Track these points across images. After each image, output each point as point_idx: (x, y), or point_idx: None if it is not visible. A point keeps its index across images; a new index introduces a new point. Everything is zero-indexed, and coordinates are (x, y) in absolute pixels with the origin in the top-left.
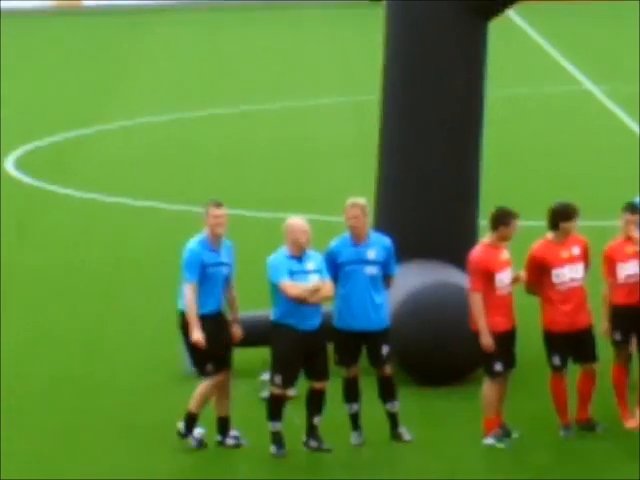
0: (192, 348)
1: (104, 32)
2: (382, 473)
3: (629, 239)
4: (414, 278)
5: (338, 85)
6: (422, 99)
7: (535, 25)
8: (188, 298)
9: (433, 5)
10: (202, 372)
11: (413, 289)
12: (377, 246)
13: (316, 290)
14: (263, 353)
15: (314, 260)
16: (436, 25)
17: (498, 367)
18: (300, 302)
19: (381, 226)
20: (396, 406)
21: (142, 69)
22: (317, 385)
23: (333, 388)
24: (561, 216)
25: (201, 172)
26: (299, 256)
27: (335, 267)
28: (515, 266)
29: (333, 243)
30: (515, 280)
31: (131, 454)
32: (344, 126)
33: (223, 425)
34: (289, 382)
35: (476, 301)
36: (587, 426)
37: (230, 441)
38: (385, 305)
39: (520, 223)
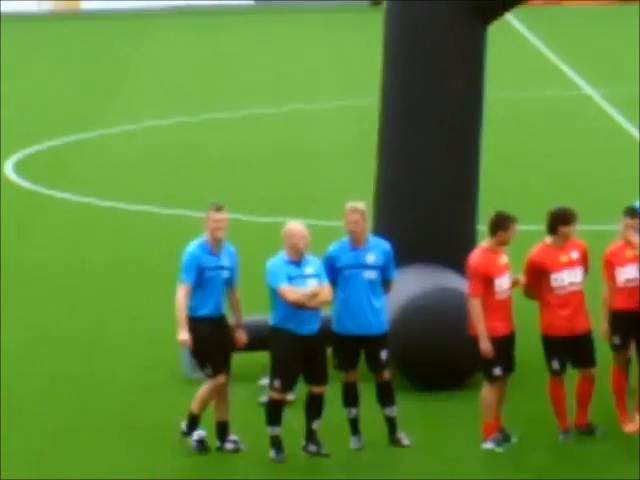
0: (192, 350)
1: (104, 36)
2: (380, 473)
3: (629, 243)
4: (413, 283)
5: (338, 88)
6: (421, 101)
7: (534, 28)
8: (179, 298)
9: (433, 7)
10: (203, 374)
11: (412, 294)
12: (376, 250)
13: (315, 295)
14: (262, 358)
15: (313, 265)
16: (435, 27)
17: (497, 371)
18: (299, 307)
19: (380, 229)
20: (394, 411)
21: (142, 73)
22: (316, 389)
23: (332, 392)
24: (560, 221)
25: (202, 175)
26: (298, 261)
27: (334, 271)
28: (514, 270)
29: (332, 247)
30: (514, 284)
31: (131, 454)
32: (344, 129)
33: (222, 430)
34: (288, 386)
35: (475, 306)
36: (586, 431)
37: (229, 445)
38: (384, 310)
39: (519, 227)
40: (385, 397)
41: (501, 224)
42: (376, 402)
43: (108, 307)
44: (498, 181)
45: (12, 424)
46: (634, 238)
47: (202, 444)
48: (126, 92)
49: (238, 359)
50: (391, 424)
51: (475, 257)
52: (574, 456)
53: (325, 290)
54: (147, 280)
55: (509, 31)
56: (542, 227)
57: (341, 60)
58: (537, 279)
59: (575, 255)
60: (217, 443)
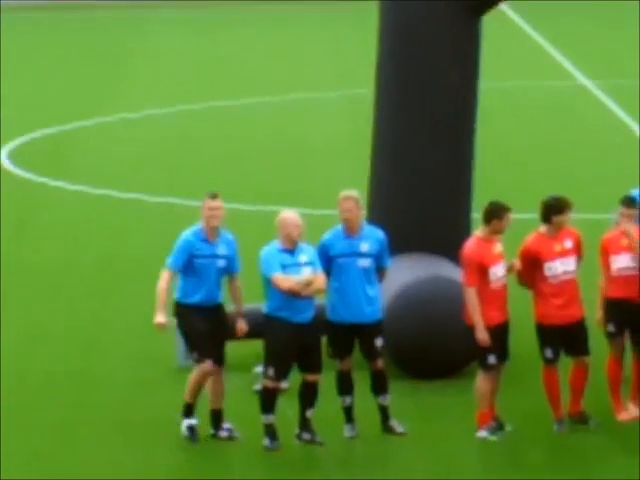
0: (184, 336)
1: (104, 25)
2: (375, 466)
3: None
4: (407, 272)
5: (334, 80)
6: (416, 95)
7: (531, 21)
8: (160, 282)
9: (427, 2)
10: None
11: (406, 283)
12: (370, 239)
13: (308, 283)
14: (256, 346)
15: (307, 253)
16: (429, 22)
17: (492, 360)
18: (293, 295)
19: (375, 219)
20: (387, 399)
21: (142, 62)
22: (310, 378)
23: (326, 381)
24: (554, 210)
25: (199, 166)
26: (292, 249)
27: (328, 260)
28: (508, 259)
29: (326, 236)
30: (510, 269)
31: (127, 448)
32: (340, 121)
33: (216, 417)
34: (282, 375)
35: (471, 296)
36: (580, 420)
37: (223, 434)
38: (378, 298)
39: (513, 216)
40: (378, 386)
41: (495, 213)
42: (370, 391)
43: (103, 299)
44: (492, 171)
45: (9, 419)
46: (627, 227)
47: (192, 431)
48: (126, 81)
49: (232, 348)
50: (384, 412)
51: (469, 246)
52: (568, 447)
53: (319, 278)
54: (143, 274)
55: (506, 24)
56: (536, 216)
57: (337, 53)
58: (531, 268)
59: (569, 244)
60: (211, 430)
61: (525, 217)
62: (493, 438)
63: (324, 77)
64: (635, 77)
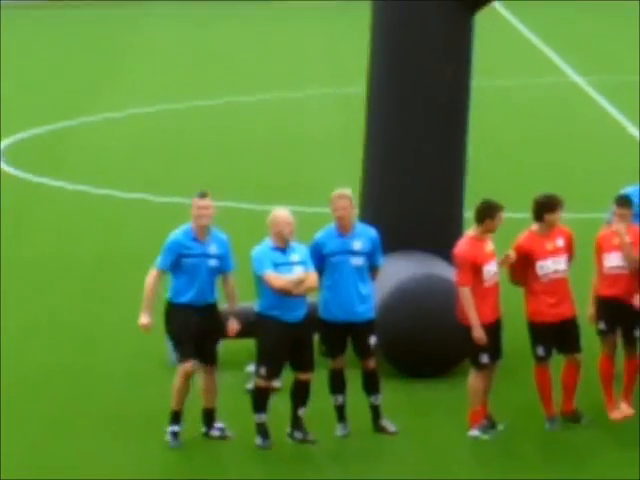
0: (169, 335)
1: (90, 25)
2: (368, 463)
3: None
4: (400, 270)
5: (326, 77)
6: (408, 93)
7: (523, 19)
8: (148, 281)
9: (419, 1)
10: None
11: (399, 281)
12: (363, 237)
13: (300, 281)
14: (249, 344)
15: (299, 252)
16: (422, 20)
17: (484, 359)
18: (284, 293)
19: (367, 217)
20: (379, 399)
21: (129, 61)
22: (302, 376)
23: (318, 379)
24: (545, 208)
25: (188, 163)
26: (283, 248)
27: (321, 258)
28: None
29: (318, 234)
30: (505, 260)
31: (120, 442)
32: (331, 117)
33: (208, 416)
34: (274, 373)
35: (466, 295)
36: (572, 418)
37: (215, 433)
38: (371, 296)
39: (506, 215)
40: (370, 385)
41: (488, 212)
42: (361, 390)
43: (99, 297)
44: (486, 168)
45: (4, 412)
46: (618, 226)
47: (175, 437)
48: (111, 81)
49: (225, 346)
50: (376, 412)
51: (462, 246)
52: (560, 443)
53: (311, 277)
54: (139, 270)
55: (499, 20)
56: (528, 215)
57: (329, 50)
58: (523, 266)
59: (560, 243)
60: (204, 429)
61: (518, 216)
62: (485, 437)
63: (318, 75)
64: (626, 73)
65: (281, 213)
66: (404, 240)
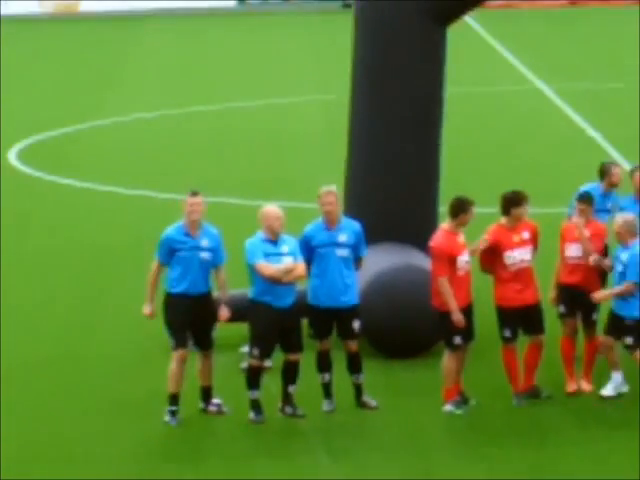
0: (166, 324)
1: (98, 36)
2: (351, 437)
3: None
4: (381, 260)
5: (310, 84)
6: (387, 96)
7: (489, 29)
8: (149, 274)
9: (398, 14)
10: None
11: (380, 270)
12: (348, 230)
13: (289, 270)
14: (242, 328)
15: (288, 244)
16: (400, 31)
17: (458, 340)
18: (274, 281)
19: (351, 213)
20: (361, 378)
21: (132, 69)
22: (291, 357)
23: (307, 360)
24: (512, 203)
25: (186, 163)
26: (274, 240)
27: (309, 250)
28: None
29: (307, 228)
30: (480, 244)
31: (121, 421)
32: (315, 121)
33: (206, 393)
34: (266, 354)
35: (444, 285)
36: (532, 393)
37: (212, 408)
38: (355, 284)
39: (476, 210)
40: (353, 366)
41: (462, 207)
42: (345, 369)
43: (102, 284)
44: (457, 168)
45: (8, 394)
46: (577, 220)
47: (173, 415)
48: (117, 87)
49: (221, 330)
50: (358, 389)
51: (438, 239)
52: (525, 419)
53: (299, 267)
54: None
55: (467, 31)
56: (495, 210)
57: (313, 59)
58: (492, 256)
59: (526, 235)
60: (202, 405)
61: (486, 211)
62: (458, 412)
63: (301, 81)
64: (586, 80)
65: (271, 208)
66: (384, 233)
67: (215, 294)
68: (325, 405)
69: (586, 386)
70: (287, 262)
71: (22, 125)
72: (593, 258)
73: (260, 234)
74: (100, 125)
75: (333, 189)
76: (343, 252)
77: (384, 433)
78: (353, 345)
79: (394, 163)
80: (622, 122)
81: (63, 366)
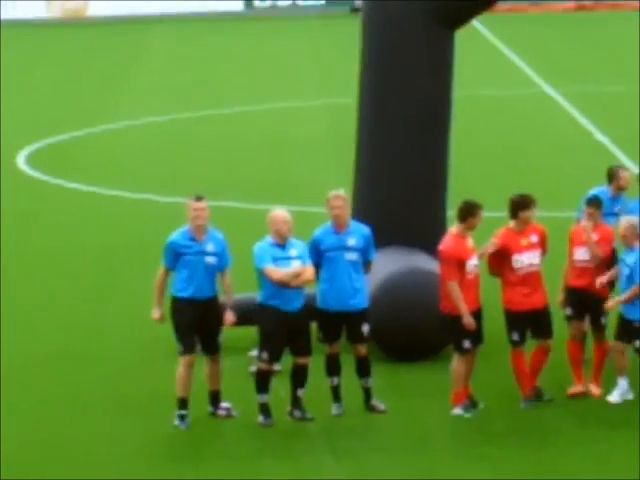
0: (174, 328)
1: (108, 40)
2: (360, 439)
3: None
4: (388, 264)
5: (317, 88)
6: (395, 99)
7: (496, 32)
8: (156, 279)
9: (405, 15)
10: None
11: (388, 274)
12: (357, 234)
13: (297, 274)
14: (252, 331)
15: (297, 248)
16: (408, 35)
17: (467, 344)
18: (283, 285)
19: (358, 216)
20: (369, 382)
21: (142, 73)
22: (300, 361)
23: (316, 363)
24: (520, 206)
25: (194, 167)
26: (282, 244)
27: (318, 254)
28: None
29: (316, 232)
30: (488, 248)
31: (128, 422)
32: (322, 126)
33: (214, 398)
34: (275, 358)
35: (454, 289)
36: (534, 394)
37: (221, 412)
38: (364, 288)
39: (484, 214)
40: (362, 369)
41: (470, 211)
42: (354, 373)
43: (108, 287)
44: (464, 172)
45: (16, 393)
46: (585, 223)
47: (182, 419)
48: (128, 91)
49: (230, 333)
50: (367, 393)
51: (448, 243)
52: (532, 422)
53: (307, 271)
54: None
55: (475, 36)
56: (502, 214)
57: (321, 62)
58: (500, 259)
59: (534, 239)
60: (210, 409)
61: (493, 215)
62: (467, 415)
63: (308, 85)
64: (594, 84)
65: (279, 213)
66: (392, 237)
67: (221, 298)
68: (334, 409)
69: (595, 390)
70: (295, 266)
71: (32, 129)
72: (600, 282)
73: (268, 238)
74: (109, 129)
75: (341, 193)
76: (352, 256)
77: (390, 435)
78: (362, 349)
79: (402, 167)
80: (630, 125)
81: (66, 366)
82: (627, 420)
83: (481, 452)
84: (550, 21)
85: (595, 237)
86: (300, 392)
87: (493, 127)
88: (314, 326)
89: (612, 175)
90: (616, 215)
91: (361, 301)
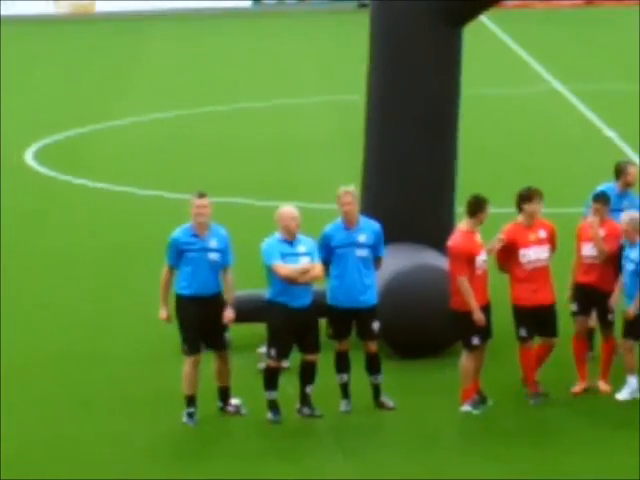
0: (179, 327)
1: (115, 36)
2: (368, 437)
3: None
4: (398, 260)
5: (325, 85)
6: (403, 97)
7: (505, 29)
8: (161, 278)
9: (413, 15)
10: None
11: (397, 270)
12: (367, 230)
13: (305, 271)
14: (260, 328)
15: (305, 244)
16: (415, 33)
17: (475, 341)
18: (291, 282)
19: (367, 213)
20: (379, 379)
21: (148, 70)
22: (309, 357)
23: (326, 360)
24: (523, 199)
25: (200, 164)
26: (291, 240)
27: (329, 250)
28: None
29: (327, 228)
30: (496, 243)
31: (132, 421)
32: (327, 123)
33: (223, 393)
34: (283, 355)
35: (464, 285)
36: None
37: (231, 409)
38: (374, 284)
39: (493, 210)
40: (372, 366)
41: (480, 205)
42: (363, 369)
43: (116, 284)
44: (472, 169)
45: (23, 392)
46: (592, 219)
47: (191, 417)
48: (134, 87)
49: (239, 330)
50: (376, 390)
51: (457, 239)
52: (540, 420)
53: (316, 267)
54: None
55: (484, 32)
56: (510, 210)
57: (328, 59)
58: (508, 254)
59: (543, 234)
60: (219, 404)
61: (501, 212)
62: (476, 412)
63: (314, 82)
64: (602, 81)
65: (287, 209)
66: (401, 233)
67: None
68: (343, 405)
69: (604, 386)
70: (304, 262)
71: (39, 125)
72: (613, 303)
73: (277, 235)
74: (116, 125)
75: (351, 189)
76: (362, 252)
77: (398, 433)
78: (373, 346)
79: (410, 166)
80: (638, 122)
81: (72, 365)
82: (636, 419)
83: (489, 450)
84: (559, 17)
85: (602, 233)
86: (309, 389)
87: (501, 124)
88: (323, 322)
89: (620, 171)
90: (624, 211)
91: (371, 297)
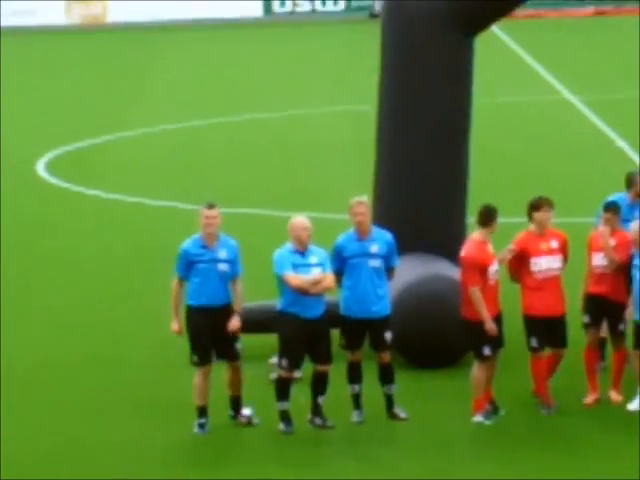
0: (189, 338)
1: (125, 47)
2: (380, 447)
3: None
4: (409, 270)
5: (336, 95)
6: (415, 107)
7: (516, 38)
8: (172, 290)
9: (424, 21)
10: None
11: (409, 280)
12: (380, 241)
13: (317, 281)
14: (272, 339)
15: (317, 255)
16: (428, 43)
17: (487, 351)
18: (302, 292)
19: (378, 223)
20: (392, 389)
21: (158, 81)
22: (321, 368)
23: (338, 370)
24: (532, 207)
25: (212, 174)
26: (302, 251)
27: (342, 260)
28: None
29: (339, 238)
30: (507, 254)
31: (144, 427)
32: (340, 133)
33: (235, 402)
34: (295, 365)
35: (476, 295)
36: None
37: (243, 419)
38: (387, 295)
39: (505, 220)
40: (385, 377)
41: (491, 215)
42: (375, 380)
43: (129, 292)
44: (484, 179)
45: (36, 397)
46: (602, 229)
47: (202, 427)
48: (146, 98)
49: (251, 340)
50: (389, 400)
51: (470, 249)
52: (552, 429)
53: (327, 278)
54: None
55: (495, 42)
56: (521, 219)
57: (339, 69)
58: (519, 263)
59: (554, 244)
60: (231, 412)
61: (513, 221)
62: (488, 422)
63: (327, 92)
64: (614, 92)
65: (299, 219)
66: (412, 244)
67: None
68: (354, 416)
69: (615, 396)
70: (316, 273)
71: (51, 136)
72: (628, 312)
73: (288, 245)
74: (127, 136)
75: (364, 199)
76: (375, 262)
77: (411, 441)
78: (386, 356)
79: (422, 175)
80: None
81: (84, 371)
82: None
83: (502, 458)
84: (569, 26)
85: (613, 243)
86: (320, 399)
87: (513, 134)
88: (335, 333)
89: (630, 181)
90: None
91: (384, 308)
